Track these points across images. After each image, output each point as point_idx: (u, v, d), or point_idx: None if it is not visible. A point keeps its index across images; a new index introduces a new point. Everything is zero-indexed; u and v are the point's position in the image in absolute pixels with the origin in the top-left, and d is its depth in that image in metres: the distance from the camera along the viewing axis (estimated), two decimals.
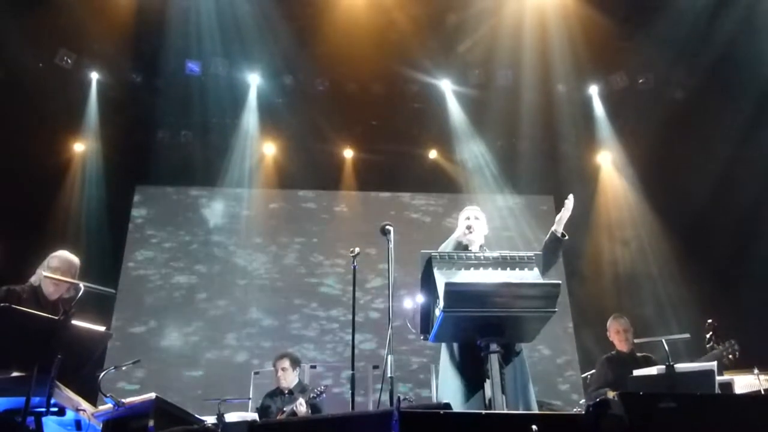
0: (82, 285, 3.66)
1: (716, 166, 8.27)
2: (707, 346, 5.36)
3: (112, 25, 8.39)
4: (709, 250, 8.40)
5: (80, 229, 9.16)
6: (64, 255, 4.46)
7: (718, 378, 4.46)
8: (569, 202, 4.05)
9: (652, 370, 4.41)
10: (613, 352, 5.73)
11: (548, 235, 4.08)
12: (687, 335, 5.17)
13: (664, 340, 4.78)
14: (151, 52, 8.82)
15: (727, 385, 5.09)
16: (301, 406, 5.90)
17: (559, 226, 4.05)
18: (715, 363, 4.46)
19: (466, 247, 4.17)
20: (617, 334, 5.69)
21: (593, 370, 6.04)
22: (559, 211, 4.11)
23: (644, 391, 3.46)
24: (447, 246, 4.15)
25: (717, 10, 7.88)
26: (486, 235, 4.34)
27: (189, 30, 8.56)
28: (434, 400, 7.89)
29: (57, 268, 4.28)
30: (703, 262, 8.44)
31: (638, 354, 5.63)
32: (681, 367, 4.30)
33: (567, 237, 4.03)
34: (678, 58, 8.65)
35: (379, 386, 4.05)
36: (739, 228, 8.06)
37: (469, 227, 4.20)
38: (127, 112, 9.48)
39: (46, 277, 4.21)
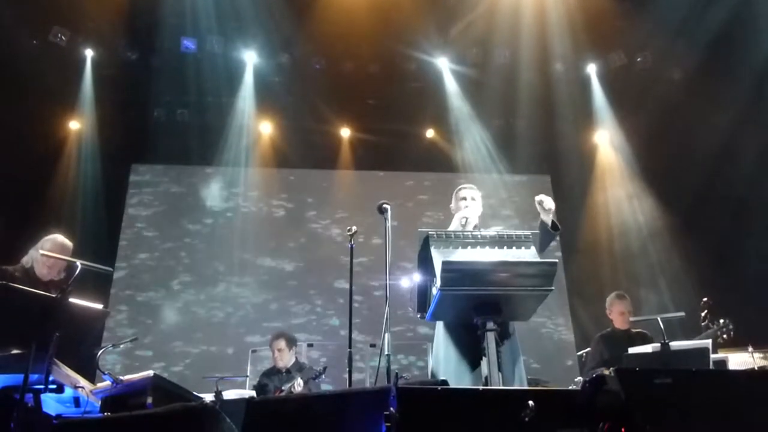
0: (79, 263, 3.66)
1: (713, 145, 8.26)
2: (702, 324, 5.40)
3: (107, 1, 8.30)
4: (706, 229, 8.42)
5: (76, 208, 9.12)
6: (58, 238, 4.47)
7: (713, 356, 4.50)
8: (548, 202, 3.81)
9: (647, 348, 4.44)
10: (608, 330, 5.76)
11: (540, 225, 3.85)
12: (682, 313, 5.20)
13: (659, 319, 4.81)
14: (146, 30, 8.74)
15: (722, 363, 5.14)
16: (298, 387, 5.93)
17: (547, 218, 3.82)
18: (709, 341, 4.49)
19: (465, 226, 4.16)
20: (621, 315, 5.69)
21: (589, 348, 6.08)
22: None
23: (640, 367, 3.48)
24: (453, 225, 4.16)
25: None
26: (481, 215, 4.32)
27: (184, 7, 8.49)
28: (429, 377, 7.94)
29: (50, 251, 4.27)
30: (700, 241, 8.46)
31: (633, 331, 5.66)
32: (676, 344, 4.33)
33: (560, 229, 3.82)
34: (676, 36, 8.59)
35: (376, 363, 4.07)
36: (737, 206, 8.07)
37: (464, 200, 4.25)
38: (122, 90, 9.41)
39: (43, 254, 4.21)
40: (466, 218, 4.09)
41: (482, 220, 4.32)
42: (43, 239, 4.44)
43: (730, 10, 7.85)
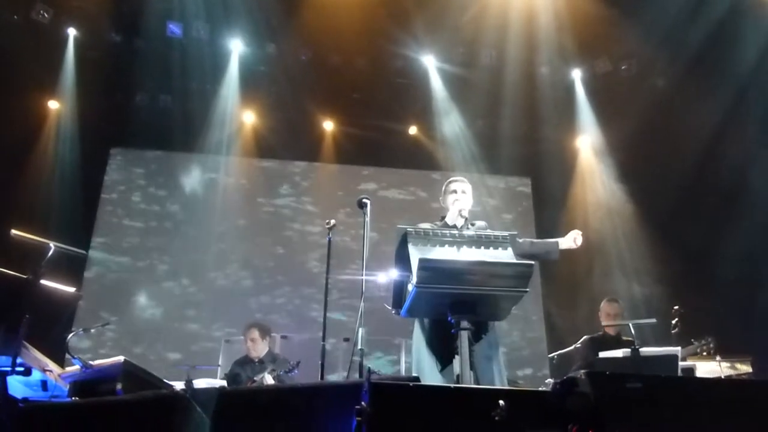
0: (52, 245, 3.60)
1: (694, 153, 8.35)
2: (673, 332, 5.49)
3: None
4: (683, 237, 8.48)
5: (52, 189, 8.99)
6: None
7: (681, 363, 4.57)
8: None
9: (618, 353, 4.50)
10: (599, 333, 5.79)
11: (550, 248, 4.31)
12: (653, 320, 5.27)
13: (631, 324, 4.87)
14: (131, 12, 8.61)
15: (690, 370, 5.24)
16: (269, 380, 5.89)
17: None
18: (679, 348, 4.57)
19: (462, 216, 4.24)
20: (608, 318, 5.75)
21: (561, 350, 6.14)
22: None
23: (610, 371, 3.52)
24: (450, 217, 4.27)
25: None
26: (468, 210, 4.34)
27: None
28: (403, 374, 7.97)
29: None
30: (677, 249, 8.54)
31: (624, 339, 5.68)
32: (646, 350, 4.39)
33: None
34: (662, 45, 8.68)
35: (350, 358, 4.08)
36: (715, 215, 8.15)
37: (455, 193, 4.30)
38: (104, 72, 9.23)
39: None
40: (460, 210, 4.20)
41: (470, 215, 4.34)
42: None
43: (715, 21, 7.92)
